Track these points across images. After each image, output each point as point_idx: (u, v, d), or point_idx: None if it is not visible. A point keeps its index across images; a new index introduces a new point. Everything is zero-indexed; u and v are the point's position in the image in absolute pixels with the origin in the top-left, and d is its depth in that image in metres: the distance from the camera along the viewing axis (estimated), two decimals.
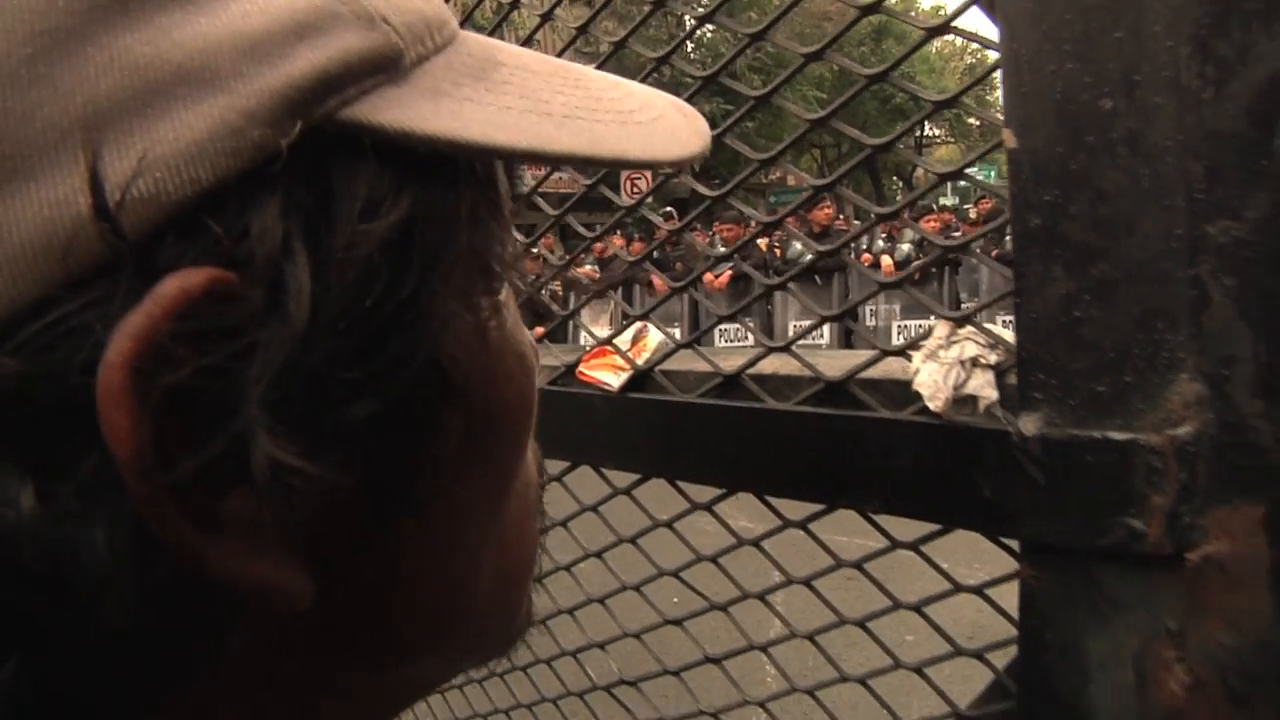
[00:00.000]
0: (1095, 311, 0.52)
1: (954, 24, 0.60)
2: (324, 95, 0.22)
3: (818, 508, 0.70)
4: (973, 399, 0.59)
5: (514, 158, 0.26)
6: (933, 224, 8.01)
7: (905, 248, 7.92)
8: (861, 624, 0.75)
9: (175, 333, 0.19)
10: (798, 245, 7.23)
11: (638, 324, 0.88)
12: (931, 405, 0.60)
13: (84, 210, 0.19)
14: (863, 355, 0.68)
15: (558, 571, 1.06)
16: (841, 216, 8.94)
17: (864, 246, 8.82)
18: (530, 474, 0.34)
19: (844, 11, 0.63)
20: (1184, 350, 0.49)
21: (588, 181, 0.89)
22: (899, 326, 7.86)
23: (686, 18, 0.82)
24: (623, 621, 1.02)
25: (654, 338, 0.87)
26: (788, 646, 0.83)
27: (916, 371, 0.61)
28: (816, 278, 7.46)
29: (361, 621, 0.27)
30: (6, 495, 0.19)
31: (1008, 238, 0.58)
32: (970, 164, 0.62)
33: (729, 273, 7.34)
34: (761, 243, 8.35)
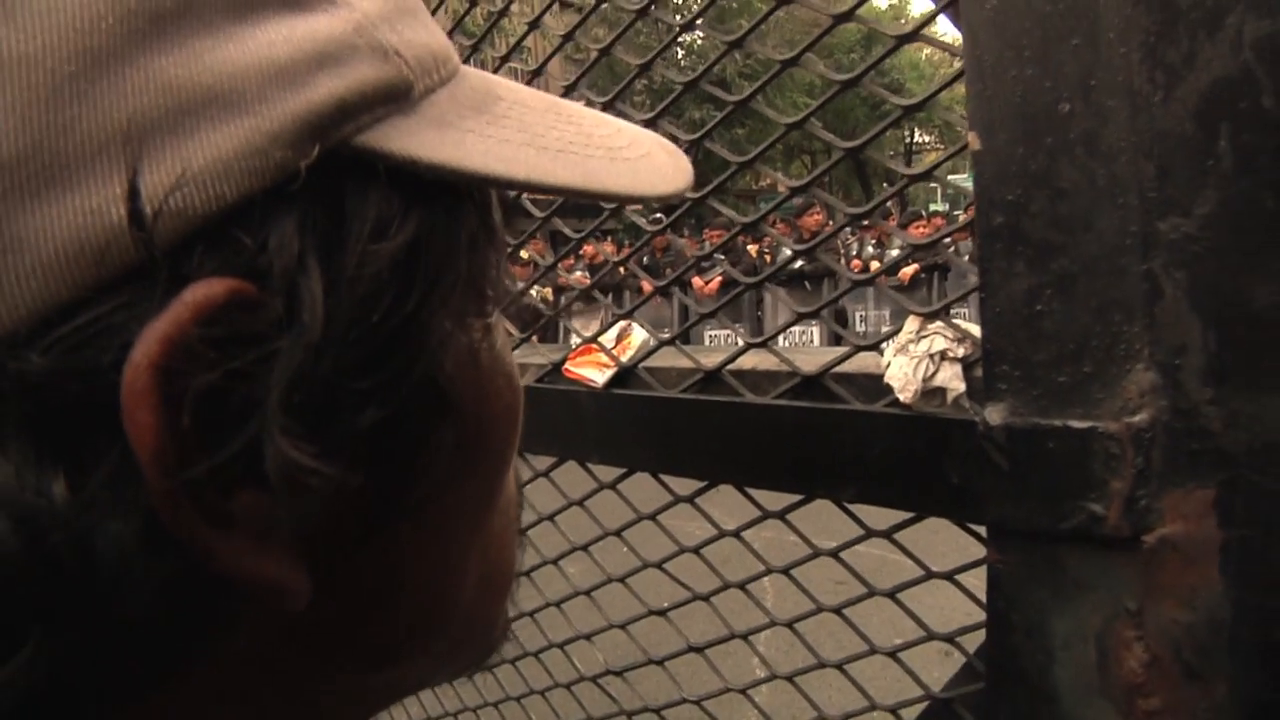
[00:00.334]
0: (1056, 305, 0.54)
1: (923, 31, 0.63)
2: (340, 121, 0.24)
3: (796, 499, 0.73)
4: (941, 390, 0.61)
5: (512, 187, 0.28)
6: (922, 230, 8.04)
7: (894, 254, 7.95)
8: (838, 611, 0.78)
9: (199, 337, 0.21)
10: (788, 252, 7.24)
11: (622, 322, 0.90)
12: (902, 397, 0.62)
13: (117, 219, 0.20)
14: (837, 351, 0.71)
15: (545, 565, 1.08)
16: (831, 223, 8.98)
17: (854, 253, 8.86)
18: (511, 489, 0.36)
19: (829, 21, 0.66)
20: (1139, 341, 0.52)
21: None
22: (888, 332, 7.86)
23: (674, 24, 0.84)
24: (609, 613, 1.04)
25: (638, 335, 0.89)
26: (770, 634, 0.85)
27: (888, 365, 0.64)
28: (806, 283, 7.49)
29: (351, 623, 0.29)
30: (40, 485, 0.20)
31: None
32: (938, 165, 0.64)
33: (719, 279, 7.38)
34: (751, 249, 8.39)
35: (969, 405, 0.60)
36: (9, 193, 0.20)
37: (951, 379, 0.61)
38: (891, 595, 0.72)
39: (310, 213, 0.23)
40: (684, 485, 0.84)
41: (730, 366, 0.77)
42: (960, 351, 0.61)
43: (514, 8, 0.96)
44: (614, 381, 0.85)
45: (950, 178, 0.69)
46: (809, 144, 19.22)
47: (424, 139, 0.26)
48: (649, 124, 0.79)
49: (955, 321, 0.63)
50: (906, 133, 24.66)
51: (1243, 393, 0.49)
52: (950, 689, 0.68)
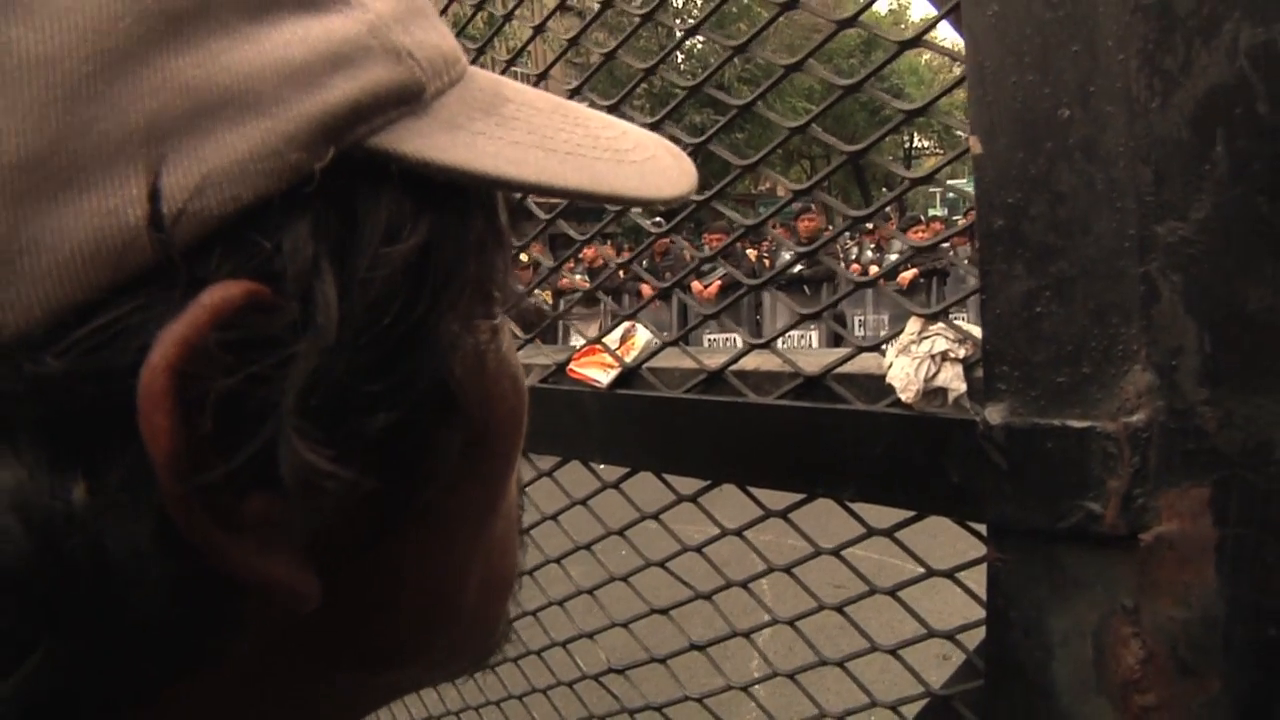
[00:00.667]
0: (1055, 307, 0.55)
1: (925, 38, 0.64)
2: (355, 123, 0.24)
3: (797, 498, 0.73)
4: (942, 391, 0.62)
5: (522, 189, 0.28)
6: (921, 234, 8.06)
7: (893, 258, 7.96)
8: (840, 609, 0.78)
9: (216, 340, 0.20)
10: (787, 256, 7.26)
11: (626, 323, 0.91)
12: (903, 397, 0.63)
13: (134, 221, 0.20)
14: (840, 352, 0.71)
15: (548, 564, 1.09)
16: (830, 228, 9.00)
17: (853, 257, 8.88)
18: (513, 493, 0.36)
19: (832, 25, 0.67)
20: (1136, 342, 0.53)
21: None
22: (890, 334, 7.86)
23: (675, 29, 0.85)
24: (611, 612, 1.05)
25: (642, 336, 0.90)
26: (771, 634, 0.86)
27: (889, 366, 0.65)
28: (805, 288, 7.51)
29: (355, 626, 0.29)
30: (56, 487, 0.20)
31: None
32: (939, 169, 0.65)
33: (718, 283, 7.39)
34: (751, 253, 8.40)
35: (969, 405, 0.61)
36: (26, 194, 0.20)
37: (953, 379, 0.62)
38: (892, 594, 0.73)
39: (324, 215, 0.23)
40: (686, 485, 0.85)
41: (733, 367, 0.78)
42: (961, 352, 0.62)
43: (516, 12, 0.97)
44: (618, 382, 0.86)
45: (949, 182, 0.69)
46: (808, 149, 19.26)
47: (436, 141, 0.25)
48: (651, 128, 0.80)
49: (956, 323, 0.64)
50: (906, 138, 24.71)
51: (1237, 393, 0.50)
52: (950, 686, 0.69)
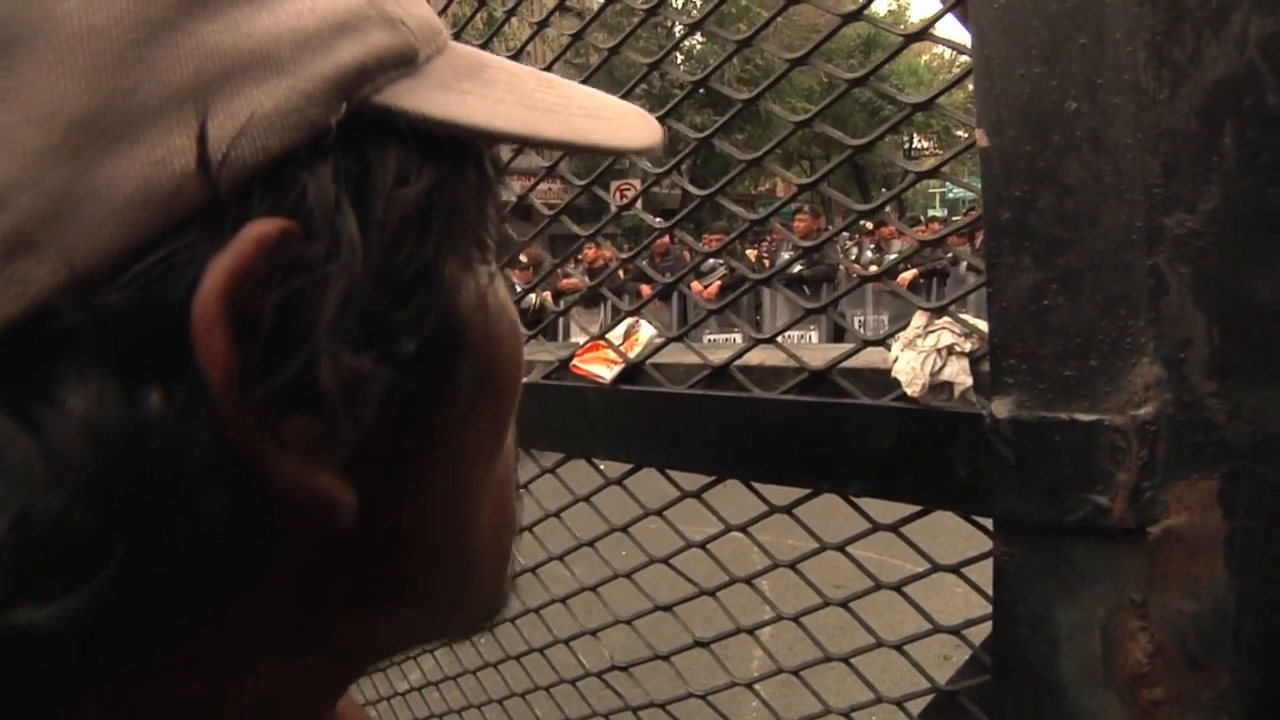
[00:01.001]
0: (1062, 300, 0.55)
1: (931, 31, 0.64)
2: (361, 82, 0.27)
3: (802, 494, 0.73)
4: (948, 385, 0.62)
5: (509, 141, 0.31)
6: (922, 234, 8.04)
7: (893, 257, 7.95)
8: (845, 605, 0.78)
9: (260, 268, 0.23)
10: (786, 256, 7.26)
11: (629, 319, 0.91)
12: (909, 391, 0.63)
13: (180, 169, 0.23)
14: (845, 346, 0.71)
15: (551, 561, 1.08)
16: (829, 228, 8.99)
17: (853, 257, 8.88)
18: (512, 441, 0.38)
19: (832, 23, 0.67)
20: (1144, 335, 0.52)
21: (580, 182, 0.92)
22: (895, 328, 7.87)
23: (676, 26, 0.85)
24: (614, 609, 1.05)
25: (645, 332, 0.90)
26: (775, 630, 0.86)
27: (895, 360, 0.64)
28: (805, 288, 7.51)
29: (378, 551, 0.31)
30: (123, 411, 0.22)
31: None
32: (945, 163, 0.65)
33: (718, 283, 7.39)
34: (751, 253, 8.40)
35: (976, 399, 0.61)
36: (84, 148, 0.22)
37: (959, 373, 0.61)
38: (897, 589, 0.73)
39: (341, 163, 0.25)
40: (690, 482, 0.85)
41: (737, 362, 0.78)
42: (967, 346, 0.62)
43: (516, 13, 0.97)
44: (621, 377, 0.86)
45: (949, 184, 0.69)
46: (808, 150, 19.26)
47: (431, 98, 0.28)
48: None
49: (962, 316, 0.64)
50: (906, 138, 24.74)
51: (1246, 386, 0.50)
52: (956, 682, 0.68)
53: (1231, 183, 0.49)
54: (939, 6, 0.62)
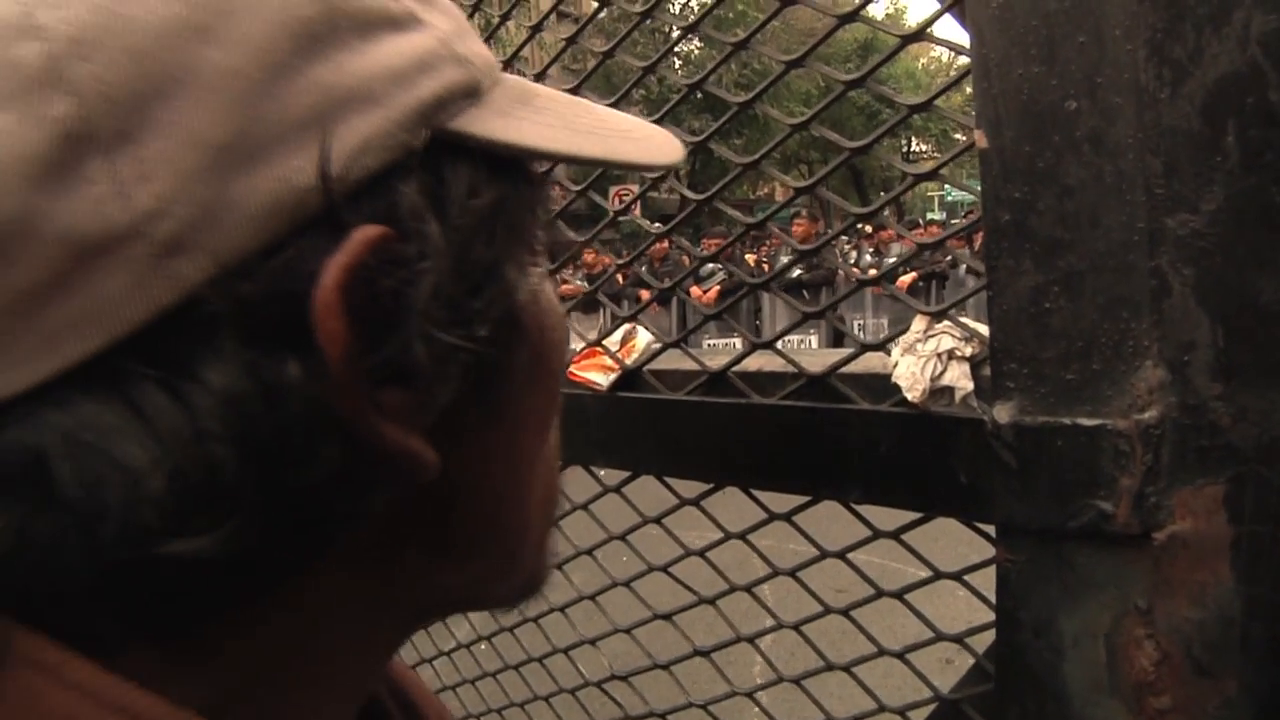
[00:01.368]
0: (1063, 302, 0.54)
1: (928, 31, 0.63)
2: (438, 111, 0.31)
3: (801, 501, 0.72)
4: (949, 389, 0.61)
5: (559, 160, 0.36)
6: (920, 237, 8.04)
7: (892, 261, 7.95)
8: (845, 613, 0.77)
9: (366, 266, 0.28)
10: (785, 260, 7.25)
11: (626, 325, 0.90)
12: (910, 396, 0.62)
13: (302, 185, 0.27)
14: (844, 351, 0.70)
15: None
16: (828, 231, 8.98)
17: (852, 261, 8.88)
18: (554, 433, 0.43)
19: (828, 27, 0.66)
20: (1147, 338, 0.52)
21: (576, 188, 0.91)
22: (895, 332, 7.87)
23: (673, 31, 0.85)
24: (613, 617, 1.04)
25: (642, 338, 0.89)
26: (775, 637, 0.85)
27: (895, 365, 0.64)
28: (804, 292, 7.50)
29: (448, 505, 0.36)
30: (257, 384, 0.26)
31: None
32: (944, 164, 0.64)
33: (716, 288, 7.38)
34: (749, 258, 8.40)
35: (977, 404, 0.60)
36: (226, 168, 0.27)
37: (959, 378, 0.61)
38: (899, 596, 0.72)
39: (424, 180, 0.30)
40: (689, 489, 0.84)
41: (736, 368, 0.77)
42: (968, 350, 0.61)
43: (511, 17, 0.97)
44: (618, 384, 0.85)
45: (948, 186, 0.69)
46: (806, 154, 19.28)
47: (494, 124, 0.33)
48: None
49: (963, 320, 0.63)
50: (904, 141, 24.79)
51: (1251, 388, 0.49)
52: (959, 690, 0.68)
53: (1234, 182, 0.48)
54: (936, 7, 0.61)
